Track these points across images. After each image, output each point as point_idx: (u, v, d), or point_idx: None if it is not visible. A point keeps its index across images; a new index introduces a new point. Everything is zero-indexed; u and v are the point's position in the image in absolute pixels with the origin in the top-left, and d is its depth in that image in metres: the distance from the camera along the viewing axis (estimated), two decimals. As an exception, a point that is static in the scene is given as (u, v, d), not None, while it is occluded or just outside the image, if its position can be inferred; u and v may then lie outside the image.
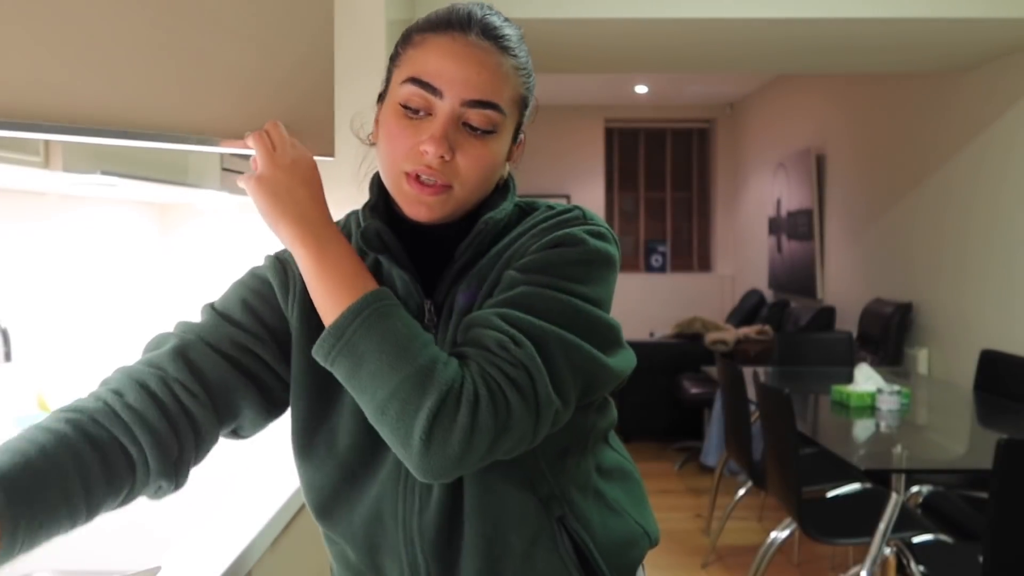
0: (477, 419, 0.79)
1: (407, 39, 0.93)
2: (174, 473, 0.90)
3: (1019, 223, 4.09)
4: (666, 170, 8.90)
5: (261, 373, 0.95)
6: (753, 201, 8.03)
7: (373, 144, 0.97)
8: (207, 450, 0.95)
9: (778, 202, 7.17)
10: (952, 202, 4.67)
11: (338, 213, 0.97)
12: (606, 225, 0.96)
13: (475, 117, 0.89)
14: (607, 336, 0.90)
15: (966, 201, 4.54)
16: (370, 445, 0.93)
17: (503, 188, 0.99)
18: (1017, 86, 4.11)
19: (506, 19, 0.95)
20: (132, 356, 0.98)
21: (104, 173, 1.37)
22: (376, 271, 0.96)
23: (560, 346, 0.84)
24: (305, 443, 0.97)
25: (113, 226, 2.18)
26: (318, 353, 0.83)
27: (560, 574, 0.94)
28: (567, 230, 0.92)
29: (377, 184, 0.97)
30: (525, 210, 0.99)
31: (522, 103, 0.96)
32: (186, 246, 2.46)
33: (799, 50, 4.08)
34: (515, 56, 0.93)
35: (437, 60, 0.89)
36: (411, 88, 0.89)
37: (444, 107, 0.89)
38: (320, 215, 0.87)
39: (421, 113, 0.89)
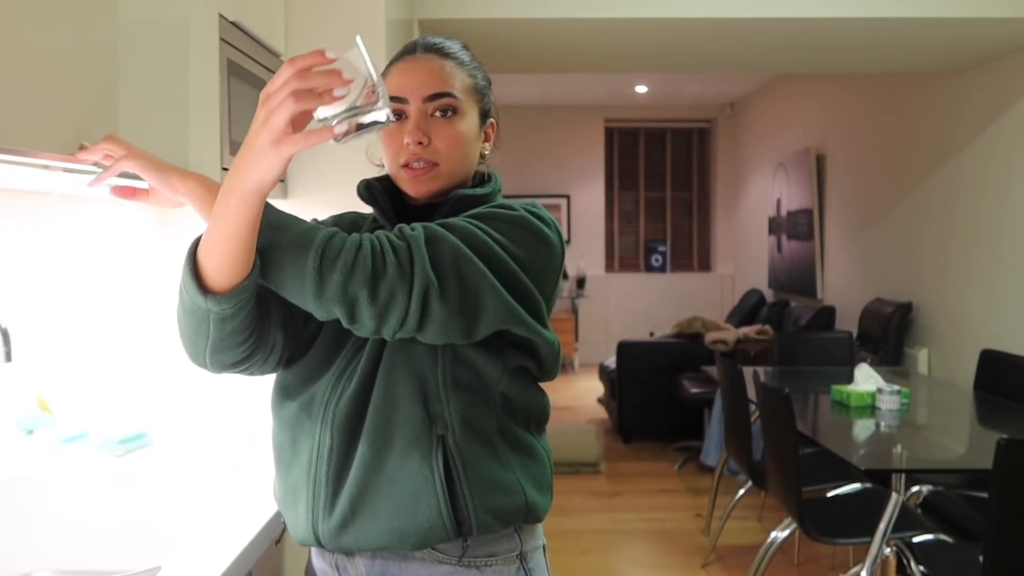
0: (357, 257, 0.99)
1: (384, 75, 1.20)
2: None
3: (1020, 223, 4.09)
4: (666, 170, 8.90)
5: None
6: (753, 201, 8.03)
7: (381, 165, 1.23)
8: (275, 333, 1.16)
9: (778, 202, 7.17)
10: (952, 202, 4.67)
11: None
12: (555, 220, 1.18)
13: (437, 106, 1.17)
14: (515, 286, 1.07)
15: (966, 201, 4.54)
16: (334, 345, 1.16)
17: (486, 180, 1.25)
18: (1017, 86, 4.11)
19: (447, 39, 1.23)
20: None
21: (104, 173, 1.37)
22: (377, 229, 1.21)
23: (453, 254, 1.03)
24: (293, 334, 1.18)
25: (113, 226, 2.18)
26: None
27: (427, 482, 1.08)
28: (511, 204, 1.15)
29: (385, 174, 1.25)
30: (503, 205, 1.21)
31: (476, 90, 1.22)
32: (186, 246, 2.46)
33: (799, 50, 4.08)
34: (456, 57, 1.21)
35: (399, 78, 1.18)
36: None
37: (412, 108, 1.17)
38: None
39: (402, 117, 1.17)
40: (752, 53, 4.13)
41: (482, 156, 1.25)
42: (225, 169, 1.90)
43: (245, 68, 2.03)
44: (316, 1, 2.45)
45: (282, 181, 2.38)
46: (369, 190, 1.23)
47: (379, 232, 1.04)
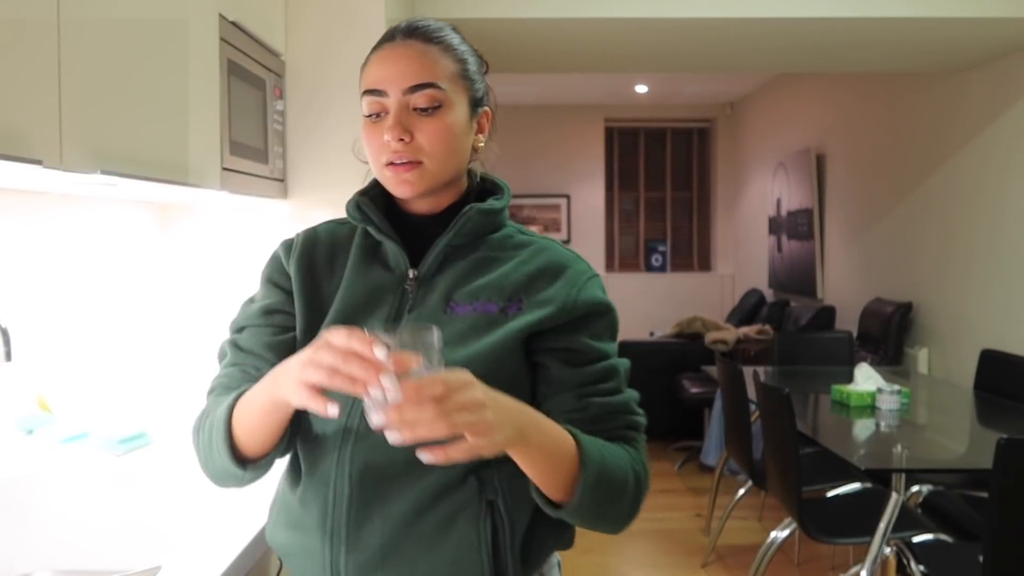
0: (644, 487, 1.09)
1: (363, 67, 1.11)
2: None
3: (1020, 222, 4.09)
4: (666, 170, 8.90)
5: (292, 322, 1.15)
6: (753, 200, 8.03)
7: (366, 162, 1.14)
8: None
9: (778, 202, 7.17)
10: (952, 202, 4.67)
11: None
12: None
13: (419, 99, 1.06)
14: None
15: (966, 201, 4.54)
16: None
17: (494, 189, 1.18)
18: (1017, 86, 4.11)
19: (432, 20, 1.12)
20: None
21: (104, 172, 1.37)
22: (372, 246, 1.15)
23: (635, 403, 1.13)
24: None
25: (113, 226, 2.18)
26: (548, 507, 1.03)
27: (472, 549, 1.03)
28: (603, 297, 1.12)
29: (374, 180, 1.17)
30: (523, 232, 1.16)
31: (464, 77, 1.11)
32: (186, 246, 2.46)
33: (799, 50, 4.08)
34: (441, 41, 1.10)
35: (376, 69, 1.08)
36: (367, 99, 1.08)
37: (391, 101, 1.07)
38: (524, 417, 0.98)
39: (381, 115, 1.08)
40: (752, 53, 4.13)
41: (475, 150, 1.15)
42: (225, 169, 1.90)
43: (245, 68, 2.03)
44: (316, 1, 2.45)
45: (281, 181, 2.38)
46: (360, 209, 1.14)
47: (638, 439, 1.11)
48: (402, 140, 1.05)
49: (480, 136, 1.16)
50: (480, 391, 0.88)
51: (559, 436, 0.99)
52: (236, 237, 2.45)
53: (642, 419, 1.12)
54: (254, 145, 2.10)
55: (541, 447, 0.96)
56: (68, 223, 1.96)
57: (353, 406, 1.04)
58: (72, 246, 1.98)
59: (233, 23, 1.95)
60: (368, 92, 1.08)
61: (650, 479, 1.09)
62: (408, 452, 0.95)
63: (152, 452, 1.77)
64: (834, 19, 3.47)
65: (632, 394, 1.13)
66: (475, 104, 1.13)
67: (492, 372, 0.99)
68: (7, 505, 1.44)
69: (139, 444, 1.79)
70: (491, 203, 1.13)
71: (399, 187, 1.09)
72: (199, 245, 2.46)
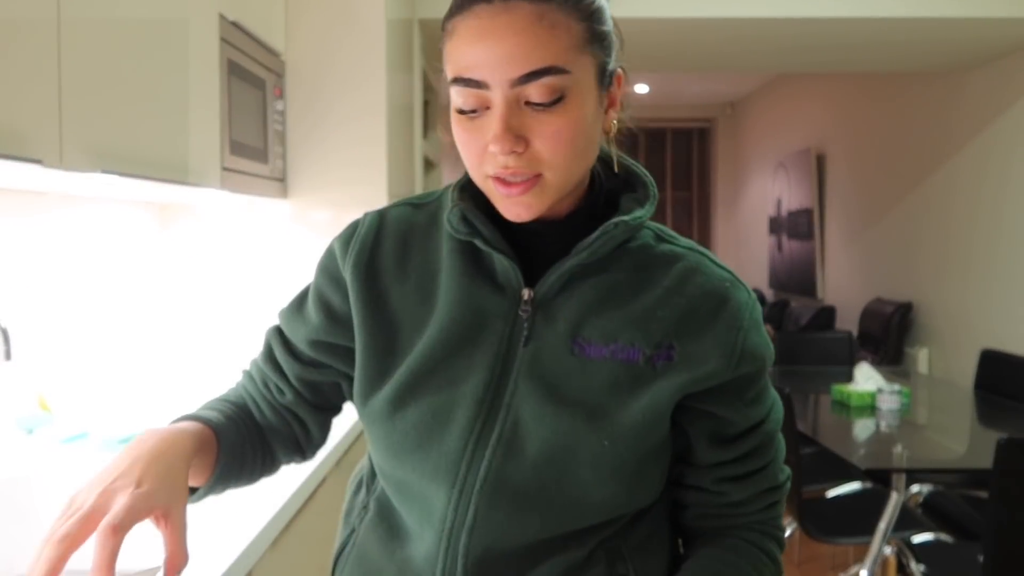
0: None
1: (443, 31, 0.82)
2: (299, 453, 1.02)
3: (1019, 223, 4.09)
4: (666, 170, 8.90)
5: (340, 358, 0.95)
6: (753, 200, 8.03)
7: (452, 141, 0.86)
8: (322, 429, 1.02)
9: (778, 201, 7.17)
10: (952, 202, 4.67)
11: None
12: None
13: (534, 92, 0.76)
14: None
15: (966, 201, 4.54)
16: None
17: (635, 184, 0.91)
18: (1017, 86, 4.11)
19: None
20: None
21: (104, 172, 1.37)
22: (471, 251, 0.88)
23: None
24: (367, 392, 0.90)
25: (113, 225, 2.18)
26: None
27: None
28: (767, 345, 0.88)
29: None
30: (662, 238, 0.92)
31: (592, 40, 0.79)
32: (186, 245, 2.46)
33: (799, 49, 4.07)
34: None
35: (469, 48, 0.77)
36: (458, 90, 0.79)
37: (496, 97, 0.77)
38: None
39: (479, 111, 0.79)
40: (752, 53, 4.13)
41: (606, 132, 0.86)
42: (225, 169, 1.90)
43: (245, 68, 2.03)
44: (316, 1, 2.45)
45: (281, 180, 2.38)
46: (467, 222, 0.86)
47: (776, 523, 0.93)
48: (514, 152, 0.77)
49: (612, 112, 0.86)
50: None
51: None
52: (236, 237, 2.45)
53: (785, 483, 0.92)
54: (254, 145, 2.10)
55: None
56: (68, 223, 1.96)
57: (470, 468, 0.83)
58: (72, 246, 1.98)
59: (233, 23, 1.95)
60: (460, 81, 0.78)
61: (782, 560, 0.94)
62: (535, 531, 0.82)
63: (152, 452, 1.77)
64: (834, 19, 3.46)
65: (780, 455, 0.92)
66: (604, 74, 0.82)
67: (636, 444, 0.83)
68: (7, 505, 1.44)
69: (139, 444, 1.78)
70: (636, 214, 0.86)
71: (511, 210, 0.81)
72: (199, 245, 2.46)
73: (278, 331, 0.99)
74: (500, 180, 0.80)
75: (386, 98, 2.51)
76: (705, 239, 8.93)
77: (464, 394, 0.84)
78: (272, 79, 2.25)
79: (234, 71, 1.95)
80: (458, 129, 0.81)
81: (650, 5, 3.43)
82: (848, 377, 3.61)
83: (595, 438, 0.81)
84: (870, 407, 3.25)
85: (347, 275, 0.90)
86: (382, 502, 0.92)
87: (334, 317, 0.92)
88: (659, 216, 0.99)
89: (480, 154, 0.80)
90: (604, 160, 0.91)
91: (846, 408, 3.28)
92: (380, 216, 0.93)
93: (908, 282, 5.11)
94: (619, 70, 0.85)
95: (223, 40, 1.88)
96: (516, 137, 0.77)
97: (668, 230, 0.93)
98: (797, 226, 6.71)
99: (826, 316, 5.73)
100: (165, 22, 1.64)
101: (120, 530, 0.73)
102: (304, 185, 2.45)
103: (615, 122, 0.86)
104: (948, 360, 4.68)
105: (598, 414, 0.82)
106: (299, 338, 0.96)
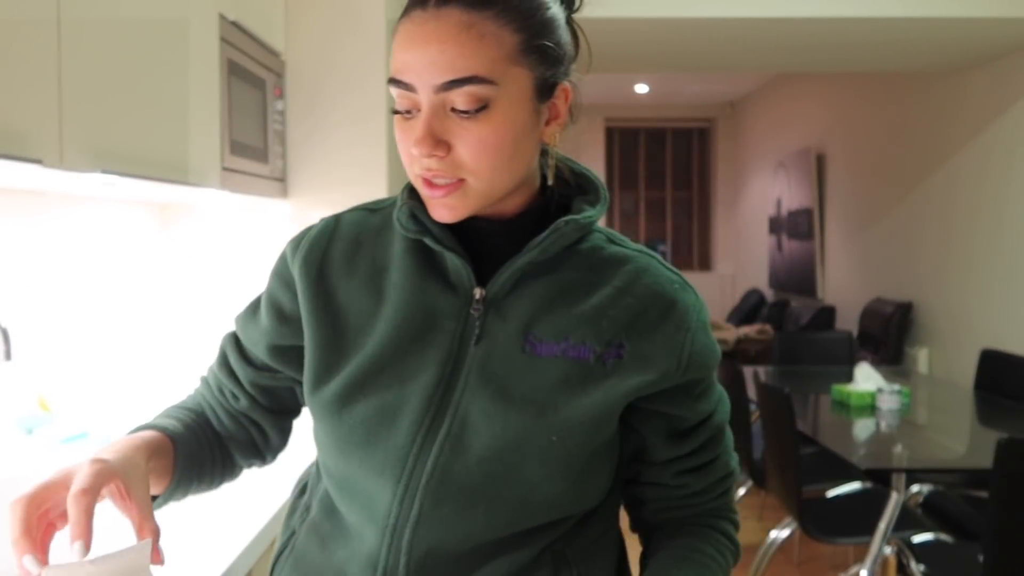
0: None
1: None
2: (259, 457, 1.03)
3: (1019, 222, 4.09)
4: (666, 169, 8.89)
5: (293, 362, 0.95)
6: (753, 200, 8.03)
7: None
8: (281, 433, 1.03)
9: (778, 201, 7.17)
10: (952, 201, 4.67)
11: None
12: None
13: (458, 99, 0.77)
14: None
15: (966, 200, 4.54)
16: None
17: (581, 185, 0.92)
18: (1017, 86, 4.11)
19: None
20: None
21: (104, 172, 1.37)
22: (424, 252, 0.89)
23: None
24: (314, 386, 0.90)
25: (113, 225, 2.18)
26: None
27: None
28: (713, 345, 0.90)
29: None
30: (613, 240, 0.91)
31: (528, 52, 0.80)
32: (186, 245, 2.46)
33: (799, 49, 4.07)
34: (492, 4, 0.78)
35: (401, 52, 0.79)
36: (394, 91, 0.81)
37: (422, 101, 0.79)
38: None
39: (413, 112, 0.81)
40: (752, 53, 4.13)
41: (545, 144, 0.88)
42: (225, 169, 1.90)
43: (245, 68, 2.03)
44: (316, 1, 2.45)
45: (281, 180, 2.38)
46: (416, 220, 0.87)
47: (731, 511, 0.99)
48: (436, 156, 0.79)
49: (555, 125, 0.86)
50: None
51: None
52: (236, 237, 2.45)
53: (736, 468, 0.97)
54: (254, 145, 2.10)
55: None
56: (68, 223, 1.96)
57: (416, 463, 0.83)
58: (72, 246, 1.98)
59: (233, 23, 1.95)
60: (393, 82, 0.80)
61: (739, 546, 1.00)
62: (481, 529, 0.82)
63: (152, 452, 1.77)
64: (834, 19, 3.46)
65: (729, 444, 0.96)
66: (544, 86, 0.83)
67: (584, 442, 0.84)
68: (7, 505, 1.44)
69: (139, 444, 1.78)
70: (589, 215, 0.87)
71: (436, 211, 0.83)
72: (199, 245, 2.46)
73: (233, 337, 1.01)
74: (426, 181, 0.81)
75: (386, 98, 2.51)
76: (705, 239, 8.93)
77: (414, 391, 0.84)
78: (272, 79, 2.25)
79: (234, 71, 1.95)
80: (396, 129, 0.83)
81: (650, 5, 3.43)
82: (848, 377, 3.61)
83: (543, 434, 0.82)
84: (870, 407, 3.25)
85: (295, 273, 0.92)
86: (324, 503, 0.92)
87: (285, 319, 0.93)
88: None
89: (411, 156, 0.81)
90: (560, 164, 0.92)
91: (846, 408, 3.28)
92: (335, 219, 0.95)
93: (908, 282, 5.11)
94: (566, 83, 0.86)
95: (223, 40, 1.88)
96: (437, 141, 0.79)
97: (618, 234, 0.93)
98: (797, 226, 6.71)
99: (826, 316, 5.73)
100: (165, 22, 1.64)
101: (89, 491, 0.74)
102: (304, 185, 2.45)
103: (554, 139, 0.87)
104: (948, 360, 4.68)
105: (547, 410, 0.82)
106: (253, 343, 0.97)
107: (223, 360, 1.00)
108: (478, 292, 0.86)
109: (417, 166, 0.81)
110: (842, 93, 6.07)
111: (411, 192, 0.88)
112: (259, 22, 2.17)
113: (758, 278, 7.77)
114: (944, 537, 2.73)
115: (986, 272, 4.35)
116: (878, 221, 5.52)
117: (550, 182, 0.90)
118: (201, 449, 0.96)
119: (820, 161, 6.40)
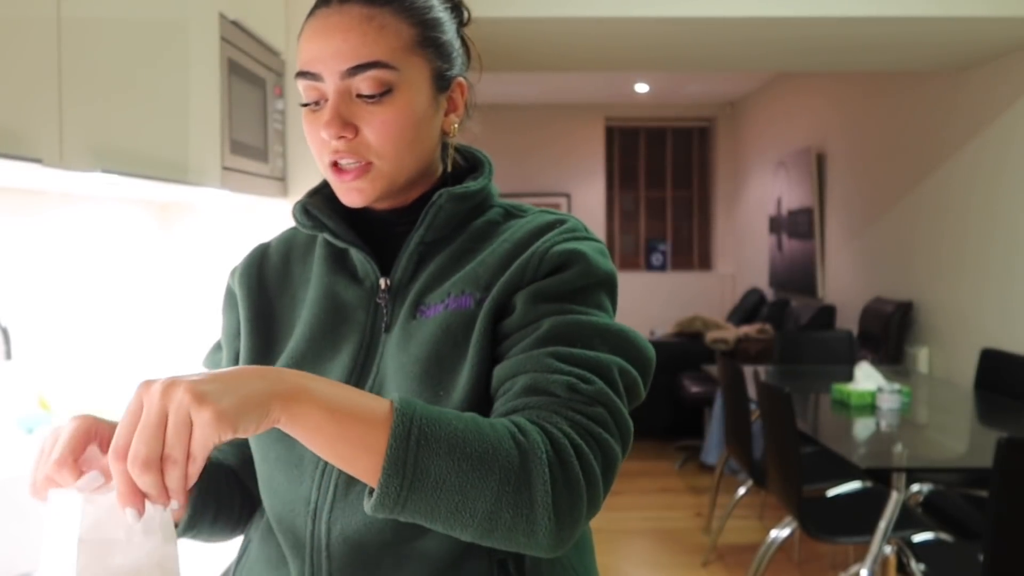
0: (589, 471, 0.75)
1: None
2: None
3: (1019, 222, 4.09)
4: (666, 169, 8.89)
5: None
6: (753, 200, 8.03)
7: None
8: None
9: (778, 201, 7.17)
10: (953, 200, 4.67)
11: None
12: (602, 241, 0.93)
13: (363, 84, 0.84)
14: (646, 356, 0.89)
15: (967, 200, 4.54)
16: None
17: (473, 166, 0.97)
18: (1017, 85, 4.11)
19: None
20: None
21: (104, 171, 1.37)
22: (337, 254, 0.95)
23: (619, 372, 0.82)
24: None
25: (113, 224, 2.18)
26: (381, 506, 0.70)
27: None
28: (574, 246, 0.86)
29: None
30: (512, 213, 0.94)
31: (425, 44, 0.87)
32: (186, 244, 2.46)
33: (799, 49, 4.07)
34: (390, 1, 0.86)
35: (308, 45, 0.86)
36: (301, 83, 0.87)
37: (328, 88, 0.85)
38: (271, 372, 0.70)
39: (320, 103, 0.87)
40: (752, 53, 4.13)
41: (445, 133, 0.93)
42: (226, 168, 1.90)
43: (245, 67, 2.03)
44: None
45: (281, 180, 2.38)
46: (309, 214, 0.93)
47: (552, 403, 0.77)
48: (343, 138, 0.85)
49: (453, 116, 0.93)
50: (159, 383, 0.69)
51: (357, 394, 0.72)
52: (236, 236, 2.45)
53: (618, 415, 0.81)
54: (254, 144, 2.10)
55: (319, 404, 0.69)
56: (68, 223, 1.96)
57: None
58: (72, 246, 1.98)
59: (233, 22, 1.95)
60: (301, 75, 0.86)
61: (575, 460, 0.75)
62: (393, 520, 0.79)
63: (152, 451, 1.77)
64: (834, 19, 3.46)
65: (602, 372, 0.81)
66: (441, 78, 0.90)
67: (470, 390, 0.82)
68: (7, 504, 1.44)
69: (139, 443, 1.78)
70: (467, 185, 0.91)
71: (347, 196, 0.89)
72: (199, 244, 2.46)
73: None
74: (336, 167, 0.88)
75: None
76: (705, 238, 8.93)
77: None
78: (272, 78, 2.25)
79: (234, 70, 1.95)
80: (304, 123, 0.89)
81: (650, 5, 3.43)
82: (848, 376, 3.61)
83: (431, 391, 0.83)
84: (870, 406, 3.25)
85: (237, 292, 0.99)
86: (262, 507, 0.94)
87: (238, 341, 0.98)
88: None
89: (321, 144, 0.87)
90: (462, 154, 0.99)
91: (846, 407, 3.28)
92: (267, 243, 1.04)
93: (908, 281, 5.11)
94: (461, 79, 0.93)
95: (223, 39, 1.88)
96: (344, 123, 0.85)
97: (523, 205, 0.96)
98: (797, 225, 6.71)
99: (826, 315, 5.73)
100: (165, 22, 1.64)
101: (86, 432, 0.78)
102: (304, 185, 2.45)
103: (455, 125, 0.93)
104: (948, 359, 4.68)
105: (438, 366, 0.84)
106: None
107: None
108: (383, 282, 0.91)
109: (327, 152, 0.87)
110: (842, 92, 6.07)
111: (313, 192, 0.96)
112: (259, 21, 2.17)
113: (758, 277, 7.77)
114: (944, 536, 2.73)
115: (987, 271, 4.35)
116: (878, 220, 5.52)
117: (449, 170, 0.96)
118: (212, 478, 0.94)
119: (820, 160, 6.40)
